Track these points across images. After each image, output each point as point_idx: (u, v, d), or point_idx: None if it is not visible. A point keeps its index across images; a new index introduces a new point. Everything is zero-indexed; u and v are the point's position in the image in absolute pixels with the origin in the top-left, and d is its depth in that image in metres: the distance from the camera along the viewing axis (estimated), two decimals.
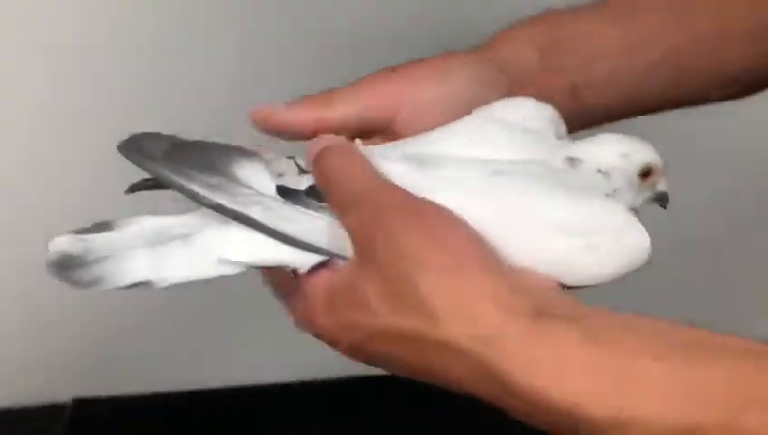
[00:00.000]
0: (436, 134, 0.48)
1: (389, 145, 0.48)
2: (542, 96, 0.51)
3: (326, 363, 1.11)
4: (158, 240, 0.43)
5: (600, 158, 0.48)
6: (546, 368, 0.38)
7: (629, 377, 0.37)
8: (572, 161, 0.48)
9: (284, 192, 0.43)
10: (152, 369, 1.14)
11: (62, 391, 1.14)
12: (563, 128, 0.51)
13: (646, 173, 0.49)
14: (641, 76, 0.56)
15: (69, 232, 0.43)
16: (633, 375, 0.37)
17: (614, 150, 0.49)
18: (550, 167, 0.47)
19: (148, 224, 0.44)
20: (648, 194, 0.50)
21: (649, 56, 0.56)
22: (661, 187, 0.51)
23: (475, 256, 0.41)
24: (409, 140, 0.48)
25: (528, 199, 0.45)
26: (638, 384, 0.37)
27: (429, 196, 0.43)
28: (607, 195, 0.48)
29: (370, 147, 0.46)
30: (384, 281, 0.40)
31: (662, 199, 0.51)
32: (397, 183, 0.43)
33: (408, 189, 0.43)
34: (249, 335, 1.15)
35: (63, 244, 0.42)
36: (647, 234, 0.46)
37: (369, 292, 0.41)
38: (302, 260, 0.43)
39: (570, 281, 0.45)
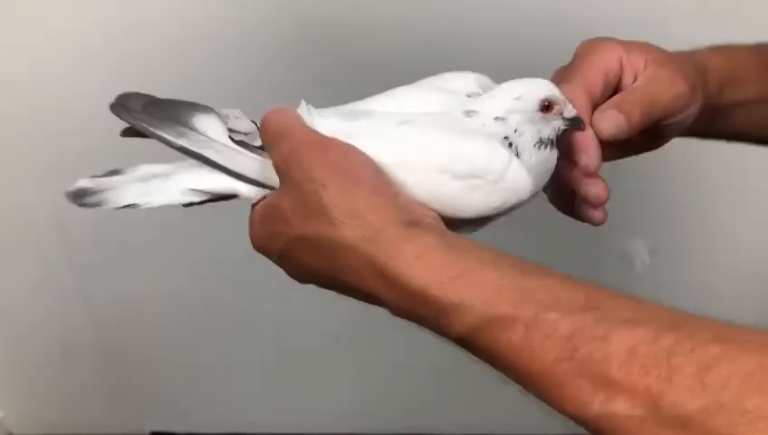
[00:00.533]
0: (373, 97, 0.60)
1: (334, 107, 0.59)
2: (699, 115, 0.62)
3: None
4: (148, 178, 0.57)
5: (496, 107, 0.56)
6: (408, 257, 0.48)
7: (470, 274, 0.47)
8: (469, 113, 0.56)
9: (240, 143, 0.56)
10: (224, 409, 1.25)
11: (141, 423, 1.26)
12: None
13: (547, 106, 0.56)
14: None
15: (89, 176, 0.57)
16: (472, 274, 0.47)
17: (508, 96, 0.56)
18: (452, 117, 0.56)
19: (147, 168, 0.57)
20: (558, 123, 0.57)
21: None
22: (569, 113, 0.57)
23: (368, 179, 0.52)
24: (353, 103, 0.59)
25: (422, 142, 0.55)
26: (474, 280, 0.47)
27: (347, 139, 0.54)
28: (506, 138, 0.55)
29: (311, 107, 0.57)
30: (296, 198, 0.52)
31: (575, 123, 0.58)
32: (325, 130, 0.55)
33: (330, 134, 0.54)
34: (323, 386, 1.24)
35: (82, 182, 0.57)
36: (525, 176, 0.55)
37: (286, 208, 0.53)
38: (250, 192, 0.56)
39: (455, 213, 0.55)
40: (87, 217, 1.03)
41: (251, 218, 0.56)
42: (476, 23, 1.02)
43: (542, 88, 0.57)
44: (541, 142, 0.56)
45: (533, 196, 0.57)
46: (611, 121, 0.57)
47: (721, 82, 0.65)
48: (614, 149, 0.61)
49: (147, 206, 0.56)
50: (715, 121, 0.66)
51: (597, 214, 0.59)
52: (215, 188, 0.56)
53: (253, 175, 0.56)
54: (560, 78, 0.59)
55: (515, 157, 0.56)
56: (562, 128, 0.57)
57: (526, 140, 0.56)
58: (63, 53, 1.03)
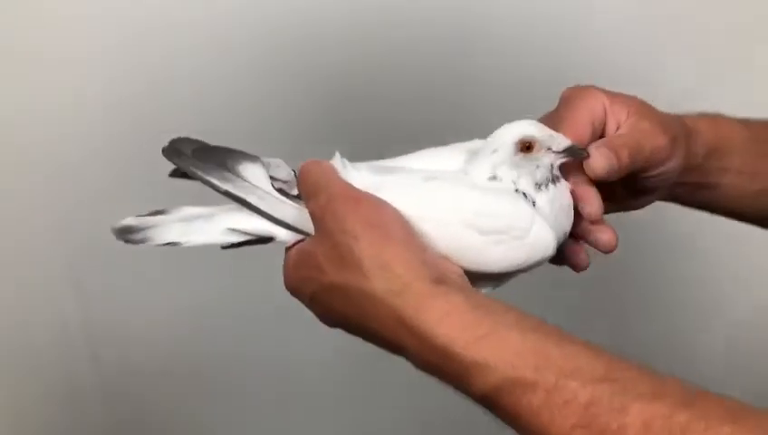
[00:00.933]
0: (403, 156, 0.63)
1: (366, 162, 0.62)
2: (682, 180, 0.64)
3: None
4: (191, 219, 0.60)
5: (483, 167, 0.59)
6: (435, 314, 0.51)
7: (494, 336, 0.49)
8: (465, 173, 0.59)
9: (282, 192, 0.59)
10: None
11: None
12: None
13: (526, 147, 0.57)
14: (749, 198, 0.69)
15: (134, 216, 0.60)
16: (496, 335, 0.49)
17: (487, 152, 0.58)
18: (465, 175, 0.59)
19: (189, 210, 0.61)
20: (550, 159, 0.58)
21: (759, 185, 0.69)
22: (560, 145, 0.58)
23: (398, 233, 0.55)
24: (384, 160, 0.63)
25: (449, 197, 0.57)
26: (498, 342, 0.49)
27: (376, 192, 0.57)
28: (517, 190, 0.57)
29: (345, 160, 0.60)
30: (330, 247, 0.55)
31: (574, 153, 0.58)
32: (358, 183, 0.57)
33: (362, 187, 0.57)
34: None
35: (128, 220, 0.60)
36: (549, 234, 0.57)
37: (319, 256, 0.56)
38: (286, 236, 0.59)
39: (478, 268, 0.57)
40: (100, 272, 1.06)
41: (285, 261, 0.59)
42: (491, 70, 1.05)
43: (513, 131, 0.58)
44: (538, 185, 0.58)
45: (559, 244, 0.58)
46: (605, 159, 0.58)
47: (708, 147, 0.66)
48: (608, 206, 0.62)
49: (187, 244, 0.59)
50: (702, 189, 0.68)
51: (581, 259, 0.62)
52: (254, 230, 0.59)
53: (290, 221, 0.59)
54: (545, 125, 0.60)
55: (538, 215, 0.57)
56: (559, 161, 0.58)
57: (526, 188, 0.58)
58: (64, 84, 1.04)
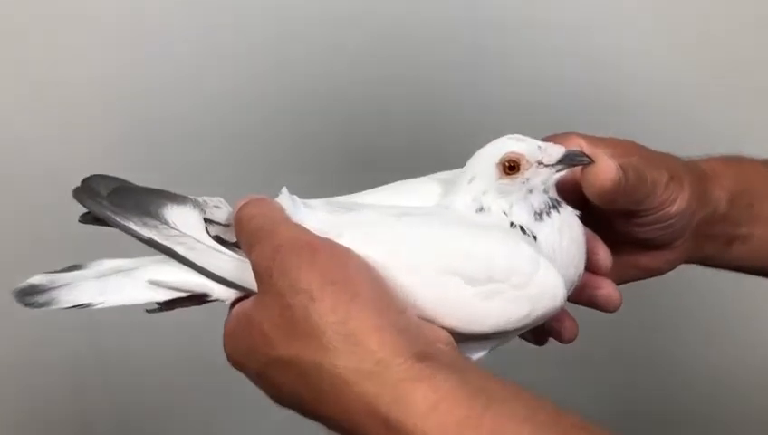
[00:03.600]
0: (370, 190, 0.53)
1: (323, 199, 0.51)
2: (707, 232, 0.58)
3: None
4: (110, 274, 0.50)
5: (465, 201, 0.49)
6: (422, 409, 0.40)
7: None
8: (446, 207, 0.49)
9: (218, 240, 0.49)
10: None
11: None
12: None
13: (510, 167, 0.48)
14: None
15: (44, 272, 0.50)
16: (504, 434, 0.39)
17: (464, 182, 0.49)
18: (446, 209, 0.49)
19: (109, 264, 0.50)
20: (541, 175, 0.48)
21: None
22: (552, 157, 0.48)
23: (367, 291, 0.43)
24: (346, 196, 0.53)
25: (428, 238, 0.47)
26: None
27: (337, 237, 0.46)
28: (512, 224, 0.47)
29: (296, 197, 0.50)
30: (279, 313, 0.44)
31: (570, 159, 0.48)
32: (313, 227, 0.47)
33: (319, 232, 0.46)
34: None
35: (35, 279, 0.49)
36: (558, 279, 0.46)
37: (264, 322, 0.44)
38: (222, 292, 0.49)
39: (468, 327, 0.46)
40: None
41: (225, 325, 0.48)
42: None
43: (492, 151, 0.49)
44: (537, 214, 0.48)
45: (569, 291, 0.48)
46: (614, 166, 0.49)
47: (731, 191, 0.58)
48: (620, 268, 0.54)
49: (102, 305, 0.49)
50: (734, 244, 0.59)
51: (567, 326, 0.53)
52: (181, 284, 0.49)
53: (227, 275, 0.48)
54: None
55: (542, 255, 0.46)
56: (556, 176, 0.49)
57: (523, 220, 0.48)
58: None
